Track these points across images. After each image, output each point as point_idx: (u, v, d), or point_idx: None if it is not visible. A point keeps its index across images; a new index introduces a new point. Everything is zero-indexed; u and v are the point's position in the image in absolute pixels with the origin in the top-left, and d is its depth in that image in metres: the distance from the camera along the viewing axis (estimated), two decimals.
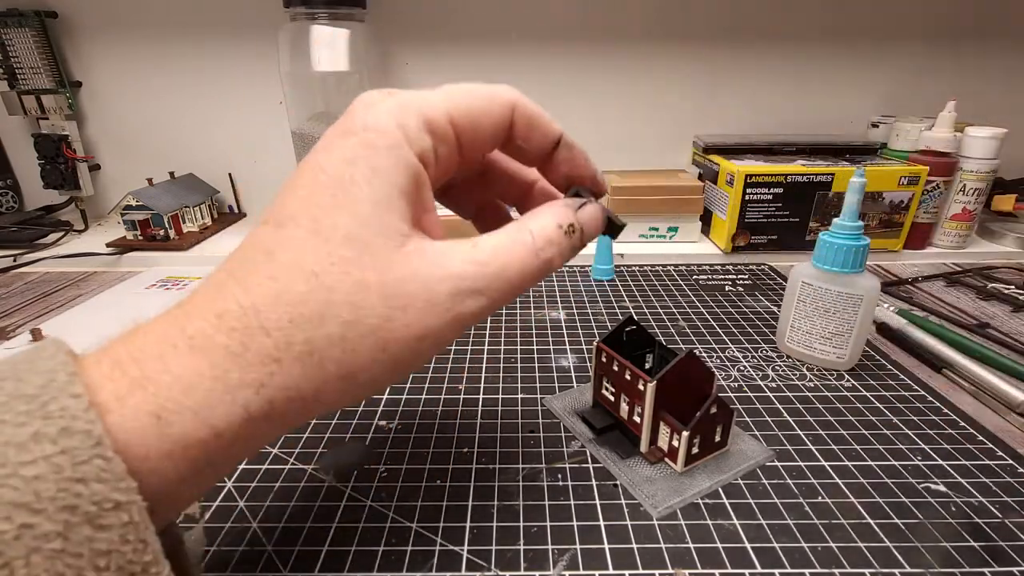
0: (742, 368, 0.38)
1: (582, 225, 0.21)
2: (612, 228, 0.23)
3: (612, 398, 0.30)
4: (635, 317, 0.35)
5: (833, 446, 0.30)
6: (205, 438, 0.16)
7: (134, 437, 0.15)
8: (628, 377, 0.28)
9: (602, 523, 0.25)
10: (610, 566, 0.23)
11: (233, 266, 0.18)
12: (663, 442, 0.28)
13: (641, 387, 0.27)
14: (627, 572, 0.23)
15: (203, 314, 0.17)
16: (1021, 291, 0.52)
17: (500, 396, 0.35)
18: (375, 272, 0.17)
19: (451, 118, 0.20)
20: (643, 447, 0.29)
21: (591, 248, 0.56)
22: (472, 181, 0.25)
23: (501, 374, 0.38)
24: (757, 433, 0.31)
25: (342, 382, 0.17)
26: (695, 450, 0.28)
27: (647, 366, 0.32)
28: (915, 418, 0.33)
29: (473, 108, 0.20)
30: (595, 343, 0.31)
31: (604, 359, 0.30)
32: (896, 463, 0.29)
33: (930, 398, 0.35)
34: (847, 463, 0.29)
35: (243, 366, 0.16)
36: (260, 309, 0.17)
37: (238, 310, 0.17)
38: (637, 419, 0.29)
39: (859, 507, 0.26)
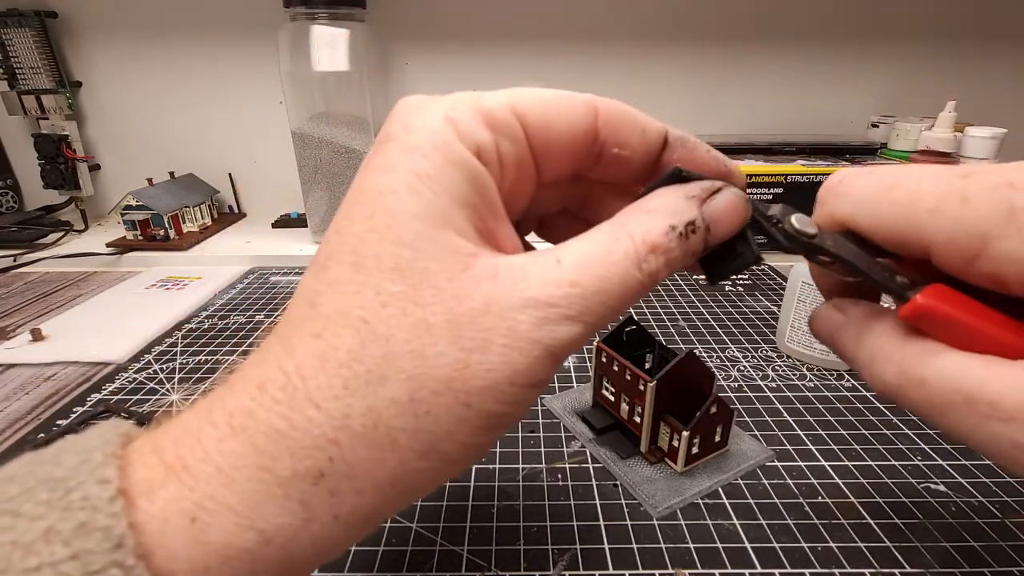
0: (742, 368, 0.38)
1: (710, 221, 0.15)
2: (737, 255, 0.16)
3: (612, 398, 0.30)
4: (635, 317, 0.35)
5: (833, 446, 0.30)
6: (251, 547, 0.12)
7: (163, 541, 0.12)
8: (628, 377, 0.28)
9: (602, 523, 0.25)
10: (610, 566, 0.23)
11: (280, 323, 0.15)
12: (663, 442, 0.28)
13: (641, 387, 0.27)
14: (627, 572, 0.23)
15: (245, 384, 0.14)
16: None
17: None
18: (439, 307, 0.13)
19: (515, 109, 0.15)
20: (643, 447, 0.29)
21: None
22: (572, 208, 0.20)
23: None
24: (757, 433, 0.31)
25: (424, 460, 0.14)
26: (695, 450, 0.28)
27: (647, 366, 0.32)
28: (915, 418, 0.33)
29: (541, 100, 0.16)
30: (595, 343, 0.31)
31: (604, 359, 0.30)
32: (896, 463, 0.29)
33: None
34: (847, 463, 0.29)
35: (293, 450, 0.13)
36: (305, 375, 0.13)
37: (281, 377, 0.13)
38: (637, 419, 0.28)
39: (859, 507, 0.26)
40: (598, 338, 0.31)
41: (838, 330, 0.17)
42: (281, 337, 0.14)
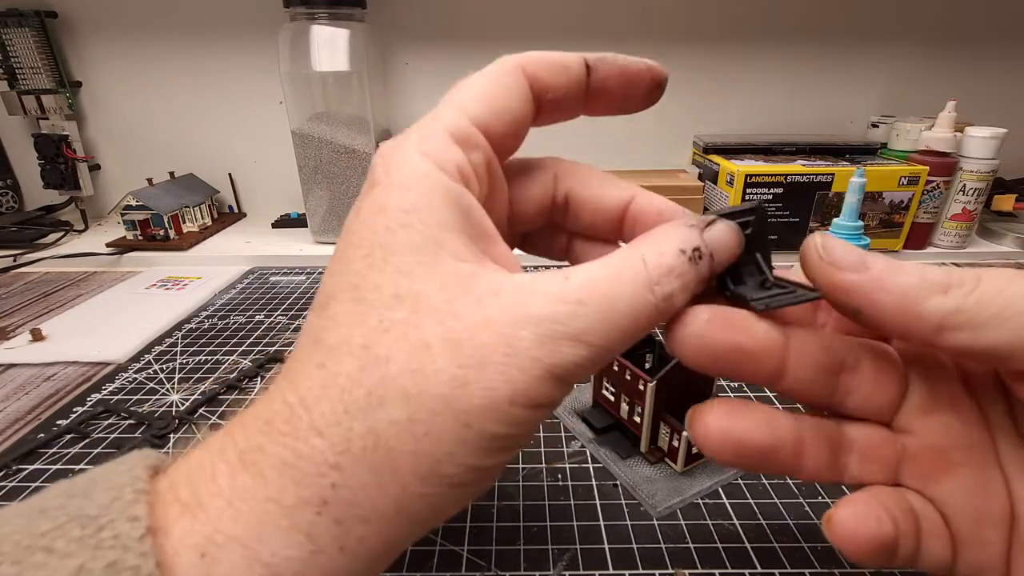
0: None
1: (711, 249, 0.16)
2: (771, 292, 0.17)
3: (612, 398, 0.30)
4: None
5: None
6: None
7: None
8: (628, 377, 0.28)
9: (602, 523, 0.25)
10: (610, 566, 0.23)
11: (287, 363, 0.15)
12: (663, 442, 0.28)
13: (641, 387, 0.27)
14: (627, 572, 0.23)
15: (254, 421, 0.14)
16: None
17: None
18: (438, 328, 0.13)
19: (472, 117, 0.16)
20: (643, 447, 0.29)
21: None
22: (550, 225, 0.21)
23: None
24: None
25: (426, 485, 0.13)
26: (695, 450, 0.28)
27: (647, 366, 0.32)
28: None
29: (486, 95, 0.16)
30: None
31: None
32: None
33: None
34: None
35: (298, 479, 0.13)
36: (309, 404, 0.13)
37: (286, 410, 0.14)
38: (637, 419, 0.29)
39: None
40: None
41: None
42: (287, 374, 0.15)
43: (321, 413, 0.13)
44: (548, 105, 0.17)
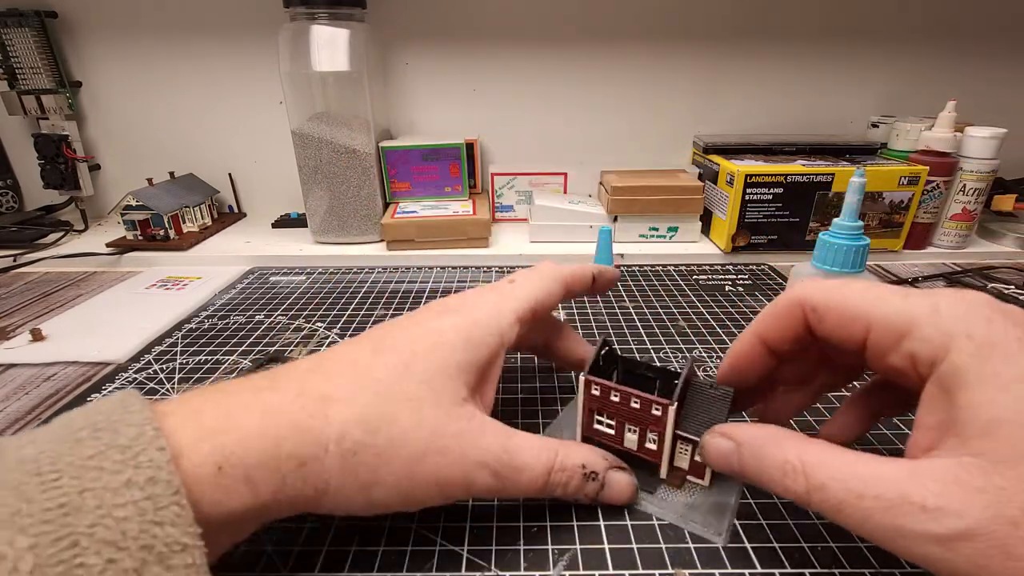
0: None
1: (604, 481, 0.24)
2: None
3: (611, 431, 0.27)
4: (610, 339, 0.29)
5: None
6: (243, 491, 0.18)
7: (197, 480, 0.17)
8: (635, 405, 0.25)
9: (602, 523, 0.25)
10: (610, 566, 0.23)
11: (322, 361, 0.23)
12: (681, 461, 0.26)
13: (657, 411, 0.25)
14: (627, 572, 0.23)
15: (285, 391, 0.20)
16: (1021, 291, 0.52)
17: (500, 396, 0.35)
18: (433, 413, 0.21)
19: (534, 309, 0.26)
20: (663, 473, 0.26)
21: (591, 247, 0.56)
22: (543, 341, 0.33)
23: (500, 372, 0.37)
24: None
25: (359, 492, 0.20)
26: None
27: (655, 394, 0.29)
28: (914, 418, 0.33)
29: (543, 288, 0.27)
30: (582, 378, 0.26)
31: (597, 392, 0.26)
32: None
33: None
34: None
35: (297, 442, 0.19)
36: (334, 400, 0.20)
37: (316, 393, 0.20)
38: (651, 446, 0.26)
39: None
40: (584, 373, 0.27)
41: (731, 455, 0.22)
42: (323, 371, 0.22)
43: (338, 411, 0.20)
44: (572, 294, 0.30)
